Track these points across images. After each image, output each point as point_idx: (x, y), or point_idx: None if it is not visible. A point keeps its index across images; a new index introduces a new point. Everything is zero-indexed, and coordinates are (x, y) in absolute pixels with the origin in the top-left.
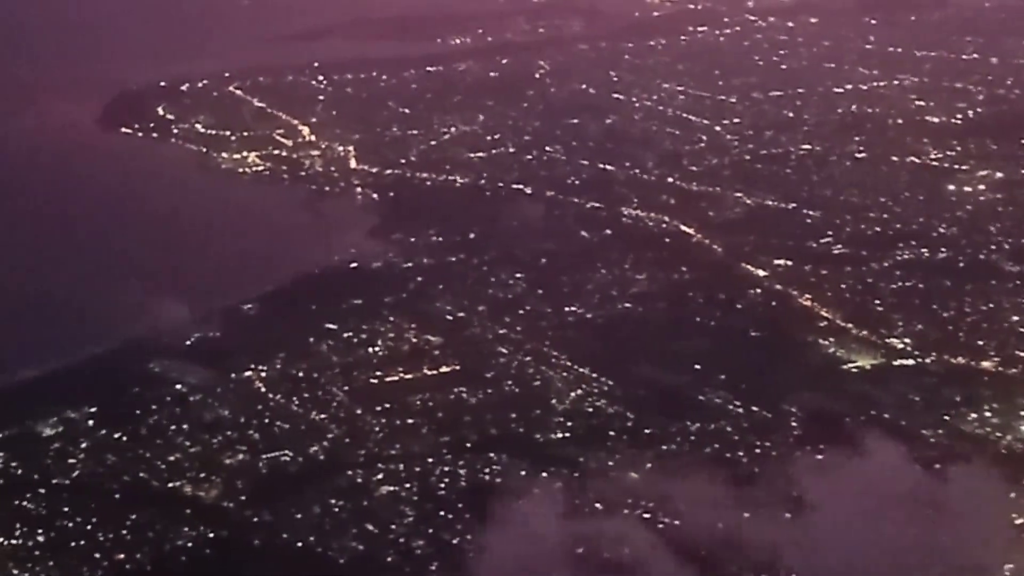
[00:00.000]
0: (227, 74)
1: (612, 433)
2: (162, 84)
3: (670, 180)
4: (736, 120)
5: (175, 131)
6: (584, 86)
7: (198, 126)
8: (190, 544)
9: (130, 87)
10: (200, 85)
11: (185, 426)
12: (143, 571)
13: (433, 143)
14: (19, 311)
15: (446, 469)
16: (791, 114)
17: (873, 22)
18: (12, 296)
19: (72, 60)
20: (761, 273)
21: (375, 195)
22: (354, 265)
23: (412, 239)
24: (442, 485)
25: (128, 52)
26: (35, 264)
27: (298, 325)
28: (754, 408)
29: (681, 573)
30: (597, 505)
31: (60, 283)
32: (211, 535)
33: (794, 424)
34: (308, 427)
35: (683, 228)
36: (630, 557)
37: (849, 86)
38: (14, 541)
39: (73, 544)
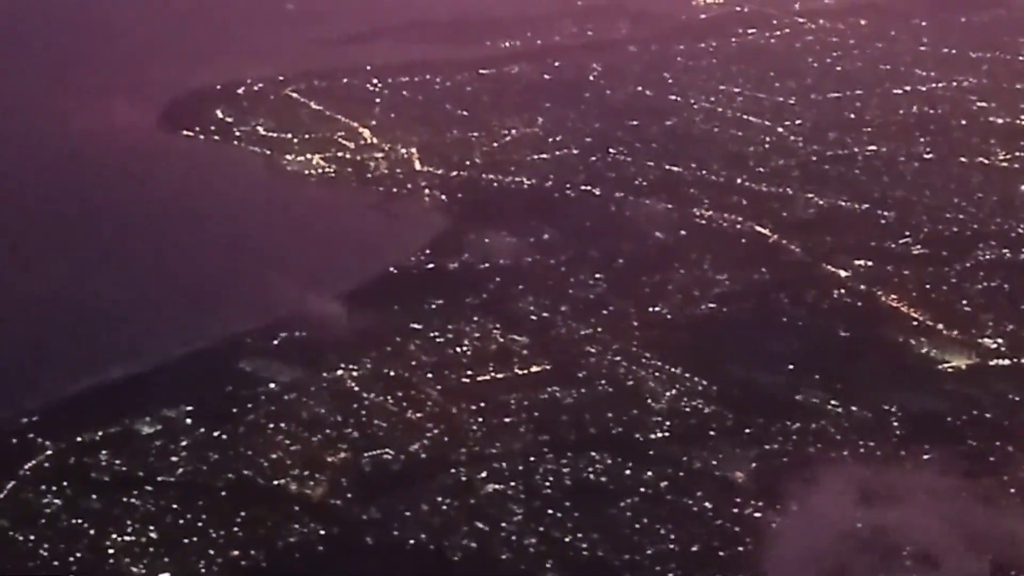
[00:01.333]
0: (281, 77)
1: (713, 432)
2: (218, 87)
3: (739, 181)
4: (798, 121)
5: (237, 134)
6: (640, 88)
7: (259, 128)
8: (303, 541)
9: (186, 90)
10: (256, 88)
11: (283, 424)
12: (258, 568)
13: (495, 145)
14: (103, 312)
15: (549, 468)
16: (852, 115)
17: (924, 24)
18: (91, 298)
19: (125, 64)
20: (843, 273)
21: (443, 197)
22: (431, 266)
23: (486, 240)
24: (547, 484)
25: (180, 56)
26: (114, 266)
27: (383, 325)
28: (853, 408)
29: None
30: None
31: (139, 284)
32: (323, 532)
33: (895, 424)
34: (406, 426)
35: (758, 229)
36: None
37: (908, 87)
38: (127, 537)
39: (186, 541)
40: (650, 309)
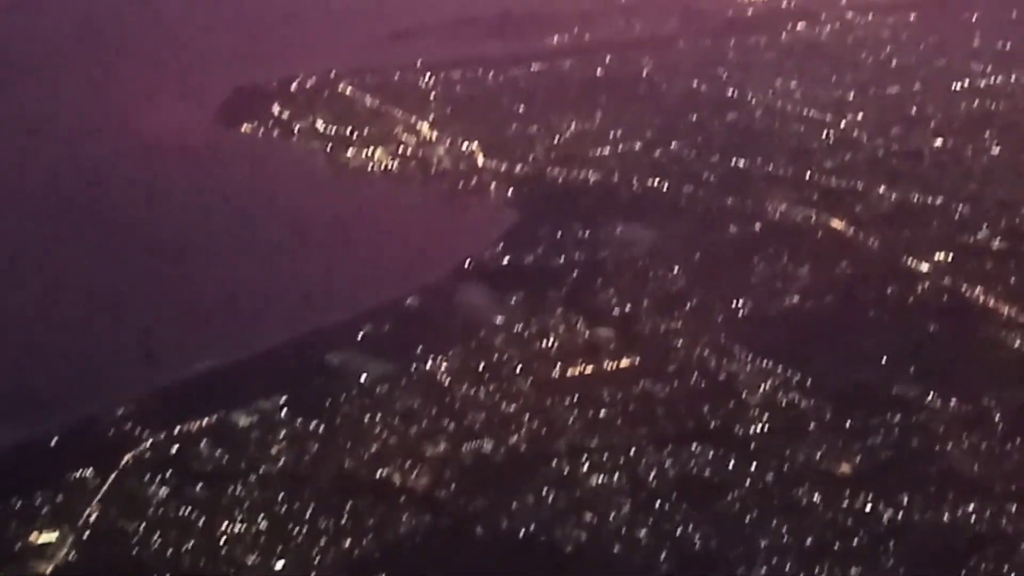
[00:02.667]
0: (333, 73)
1: (813, 426)
2: (272, 84)
3: (807, 176)
4: (859, 116)
5: (296, 129)
6: (695, 84)
7: (318, 124)
8: (413, 532)
9: (240, 87)
10: (309, 84)
11: (378, 416)
12: (371, 559)
13: (557, 140)
14: (183, 308)
15: (651, 461)
16: (914, 110)
17: (973, 19)
18: (169, 294)
19: (179, 63)
20: (924, 268)
21: (511, 191)
22: (507, 260)
23: (559, 234)
24: (651, 476)
25: (232, 53)
26: (191, 262)
27: (465, 318)
28: (952, 402)
29: None
30: None
31: (216, 280)
32: (432, 523)
33: (997, 418)
34: (501, 418)
35: (834, 223)
36: None
37: (966, 82)
38: (237, 527)
39: (296, 531)
40: (734, 303)
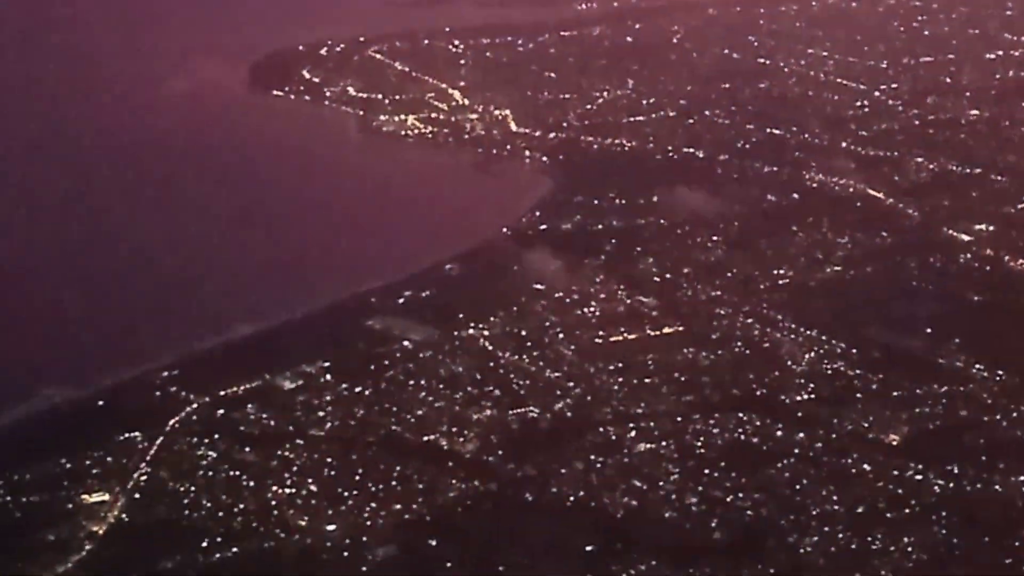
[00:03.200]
0: (362, 38)
1: (859, 395)
2: (300, 48)
3: (843, 144)
4: (894, 85)
5: (327, 94)
6: (726, 51)
7: (350, 89)
8: (463, 497)
9: (268, 51)
10: (338, 49)
11: (423, 381)
12: (422, 522)
13: (589, 107)
14: (221, 270)
15: (699, 428)
16: (948, 79)
17: None
18: (208, 255)
19: (206, 25)
20: (965, 238)
21: (545, 158)
22: (544, 227)
23: (595, 201)
24: (699, 444)
25: (259, 17)
26: (229, 224)
27: (505, 285)
28: (999, 373)
29: None
30: None
31: (254, 242)
32: (481, 488)
33: None
34: (546, 384)
35: (871, 192)
36: None
37: (1000, 52)
38: (288, 490)
39: (346, 494)
40: (775, 271)
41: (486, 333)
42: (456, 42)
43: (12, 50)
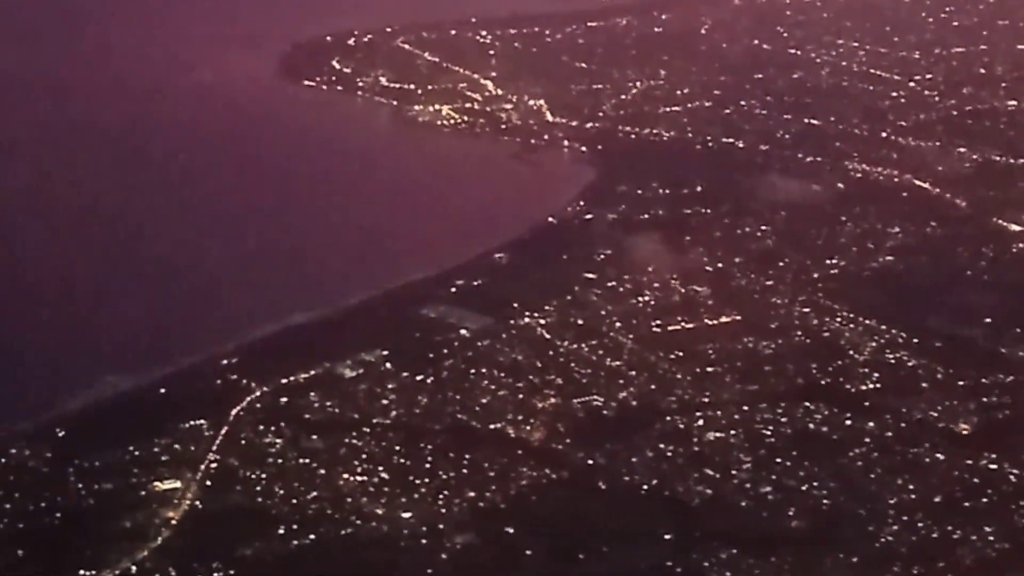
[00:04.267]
0: (389, 29)
1: (925, 385)
2: (327, 38)
3: (883, 135)
4: (928, 76)
5: (360, 84)
6: (756, 42)
7: (382, 79)
8: (535, 485)
9: (297, 42)
10: (366, 40)
11: (483, 370)
12: (497, 510)
13: (624, 97)
14: (273, 260)
15: (766, 417)
16: (983, 70)
17: None
18: (260, 246)
19: (233, 16)
20: (1015, 228)
21: (583, 148)
22: (589, 216)
23: (639, 191)
24: (768, 433)
25: (286, 7)
26: (281, 214)
27: (556, 274)
28: None
29: None
30: None
31: (305, 232)
32: (553, 476)
33: None
34: (608, 373)
35: (917, 183)
36: None
37: None
38: (359, 478)
39: (417, 481)
40: (827, 261)
41: (542, 322)
42: (484, 33)
43: (41, 41)
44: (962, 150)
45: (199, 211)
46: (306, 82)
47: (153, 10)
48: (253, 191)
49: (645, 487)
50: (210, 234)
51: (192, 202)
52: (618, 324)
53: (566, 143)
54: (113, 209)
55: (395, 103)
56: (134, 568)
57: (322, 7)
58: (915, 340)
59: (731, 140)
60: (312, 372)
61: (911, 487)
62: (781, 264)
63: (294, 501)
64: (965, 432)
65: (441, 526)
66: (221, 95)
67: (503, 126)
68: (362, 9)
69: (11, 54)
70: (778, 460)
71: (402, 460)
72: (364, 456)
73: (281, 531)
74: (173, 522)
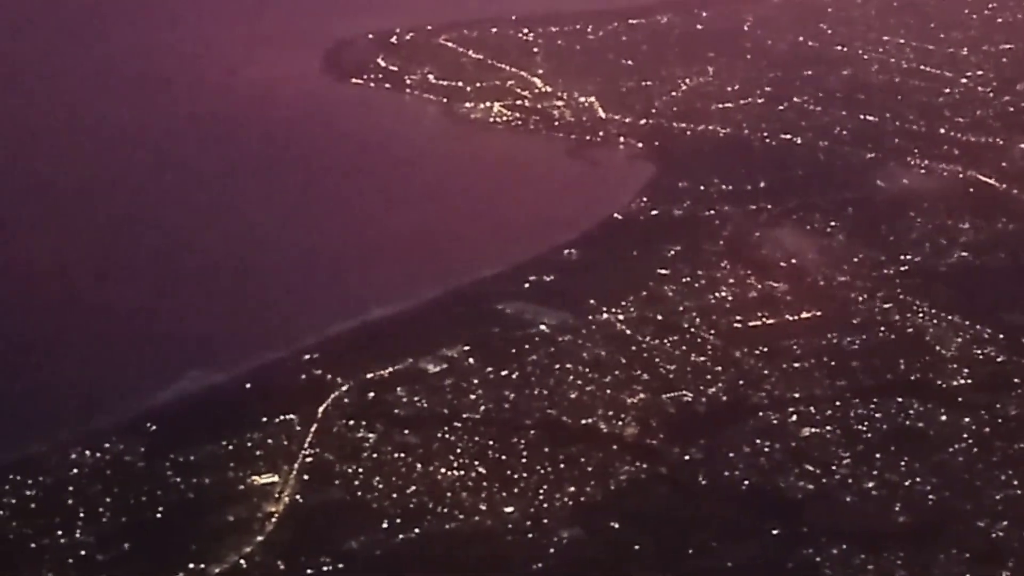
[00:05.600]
0: (429, 27)
1: (1017, 381)
2: (369, 36)
3: (941, 131)
4: (979, 72)
5: (408, 81)
6: (800, 39)
7: (429, 77)
8: (635, 480)
9: (339, 40)
10: (408, 38)
11: (568, 365)
12: (598, 504)
13: (674, 94)
14: (345, 256)
15: (860, 413)
16: None
17: None
18: (325, 243)
19: (268, 13)
20: None
21: (640, 144)
22: (655, 212)
23: (702, 187)
24: (863, 428)
25: (321, 5)
26: (344, 212)
27: (628, 269)
28: None
29: None
30: None
31: (368, 229)
32: (651, 471)
33: None
34: (694, 368)
35: (982, 178)
36: None
37: None
38: (455, 472)
39: (515, 476)
40: (902, 257)
41: (620, 317)
42: (525, 31)
43: (84, 42)
44: (1023, 146)
45: (270, 208)
46: (353, 80)
47: (190, 11)
48: (319, 187)
49: (746, 482)
50: (280, 230)
51: (263, 199)
52: (698, 320)
53: (622, 140)
54: (187, 208)
55: (445, 100)
56: (243, 562)
57: (359, 6)
58: (1001, 336)
59: (789, 136)
60: (395, 367)
61: (1015, 483)
62: (855, 260)
63: (394, 495)
64: None
65: (545, 521)
66: (272, 94)
67: (556, 123)
68: (399, 8)
69: (55, 54)
70: (877, 456)
71: (497, 455)
72: (459, 451)
73: (385, 525)
74: (275, 516)
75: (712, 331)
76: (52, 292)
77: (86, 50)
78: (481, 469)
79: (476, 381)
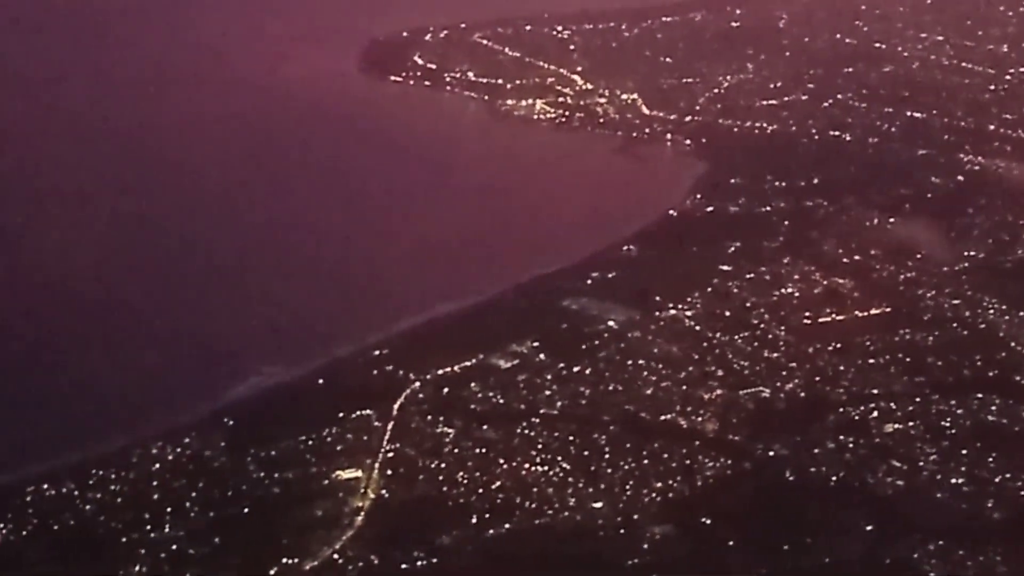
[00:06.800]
0: (463, 25)
1: None
2: (404, 34)
3: (991, 128)
4: (1021, 69)
5: (447, 79)
6: (838, 36)
7: (469, 74)
8: (720, 476)
9: (374, 38)
10: (443, 36)
11: (640, 361)
12: (685, 500)
13: (716, 91)
14: (408, 253)
15: (941, 409)
16: None
17: None
18: (393, 240)
19: (309, 13)
20: None
21: (688, 141)
22: (710, 209)
23: (755, 184)
24: (947, 424)
25: (354, 3)
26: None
27: (690, 266)
28: None
29: None
30: None
31: (428, 226)
32: (736, 467)
33: None
34: (768, 364)
35: None
36: None
37: None
38: (539, 468)
39: (600, 472)
40: (965, 253)
41: (688, 314)
42: (560, 28)
43: (123, 42)
44: None
45: (331, 208)
46: (392, 78)
47: (225, 9)
48: (376, 187)
49: (834, 478)
50: (343, 226)
51: (324, 199)
52: (767, 316)
53: (668, 136)
54: (253, 208)
55: (486, 98)
56: (336, 556)
57: (392, 4)
58: None
59: (837, 133)
60: (466, 363)
61: None
62: (918, 256)
63: (479, 491)
64: None
65: (635, 517)
66: (313, 92)
67: (600, 120)
68: (433, 6)
69: (99, 54)
70: (964, 452)
71: (579, 451)
72: (540, 446)
73: (474, 520)
74: (363, 511)
75: (782, 327)
76: (128, 291)
77: (125, 49)
78: (565, 465)
79: (549, 377)
